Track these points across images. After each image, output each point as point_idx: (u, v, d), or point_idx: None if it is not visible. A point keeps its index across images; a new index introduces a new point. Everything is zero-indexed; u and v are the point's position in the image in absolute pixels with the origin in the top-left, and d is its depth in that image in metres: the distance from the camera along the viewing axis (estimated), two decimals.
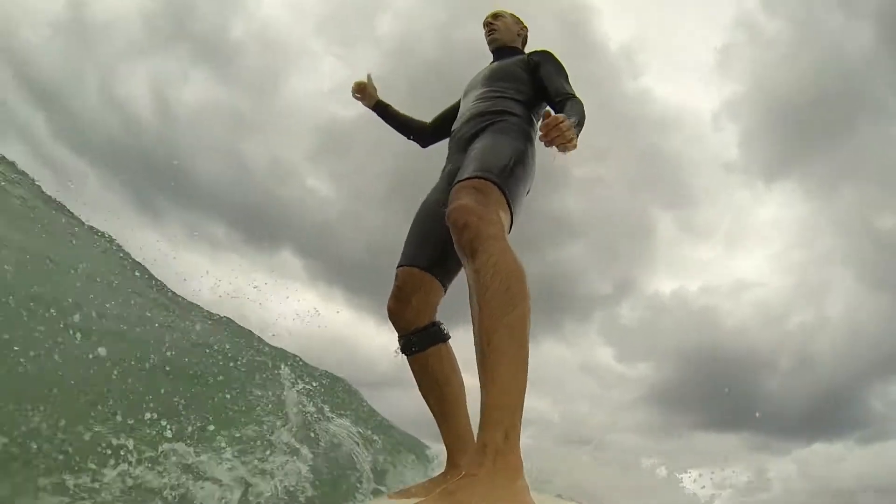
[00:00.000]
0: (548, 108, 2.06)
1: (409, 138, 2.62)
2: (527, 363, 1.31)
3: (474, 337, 1.37)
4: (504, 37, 2.43)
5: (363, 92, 2.65)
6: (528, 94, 2.09)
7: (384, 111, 2.62)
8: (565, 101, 1.89)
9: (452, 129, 2.18)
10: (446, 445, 1.92)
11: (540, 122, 1.58)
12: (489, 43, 2.45)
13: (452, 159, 2.08)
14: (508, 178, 1.67)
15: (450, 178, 1.91)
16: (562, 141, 1.53)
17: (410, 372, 1.97)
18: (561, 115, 1.55)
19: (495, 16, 2.46)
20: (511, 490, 1.13)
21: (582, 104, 1.87)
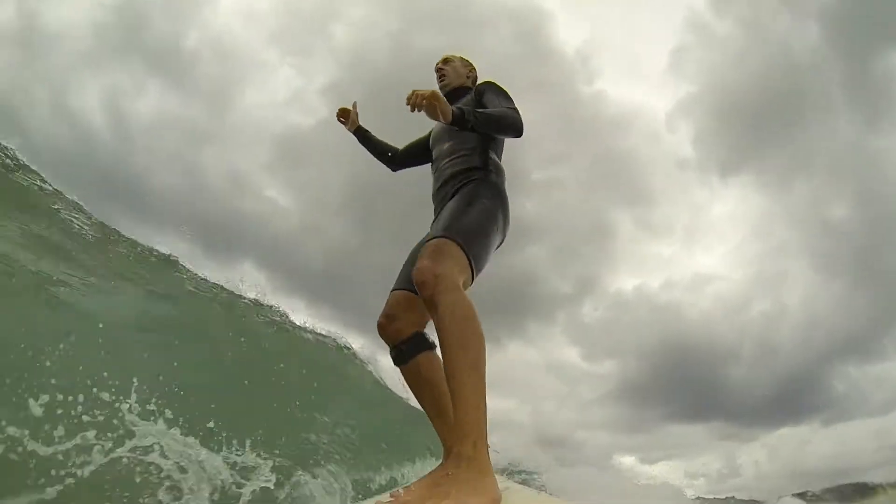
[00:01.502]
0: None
1: (381, 161, 2.92)
2: (484, 388, 1.65)
3: (444, 370, 1.69)
4: (453, 81, 2.66)
5: (347, 117, 2.92)
6: (486, 135, 2.30)
7: (363, 136, 2.90)
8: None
9: (433, 187, 2.44)
10: (442, 439, 2.11)
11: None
12: (440, 88, 2.66)
13: (436, 215, 2.34)
14: (466, 233, 1.95)
15: None
16: (419, 100, 1.91)
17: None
18: (419, 89, 1.93)
19: (444, 61, 2.71)
20: (481, 483, 1.51)
21: (510, 114, 2.16)
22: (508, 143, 2.46)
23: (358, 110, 2.91)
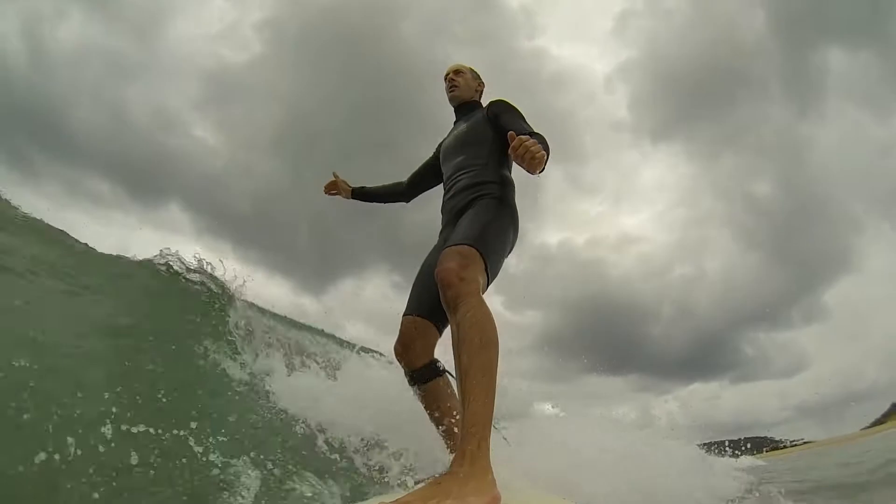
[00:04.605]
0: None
1: (395, 202, 3.04)
2: (494, 392, 1.68)
3: (455, 372, 1.76)
4: (464, 94, 2.75)
5: (336, 188, 3.08)
6: (498, 151, 2.45)
7: (362, 194, 3.07)
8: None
9: (444, 198, 2.59)
10: (451, 450, 2.20)
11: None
12: (450, 99, 2.78)
13: (446, 227, 2.48)
14: (487, 244, 2.07)
15: (444, 243, 2.30)
16: (530, 157, 1.81)
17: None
18: (524, 136, 1.83)
19: (457, 71, 2.77)
20: (482, 482, 1.49)
21: (544, 137, 2.09)
22: None
23: (342, 177, 3.04)
